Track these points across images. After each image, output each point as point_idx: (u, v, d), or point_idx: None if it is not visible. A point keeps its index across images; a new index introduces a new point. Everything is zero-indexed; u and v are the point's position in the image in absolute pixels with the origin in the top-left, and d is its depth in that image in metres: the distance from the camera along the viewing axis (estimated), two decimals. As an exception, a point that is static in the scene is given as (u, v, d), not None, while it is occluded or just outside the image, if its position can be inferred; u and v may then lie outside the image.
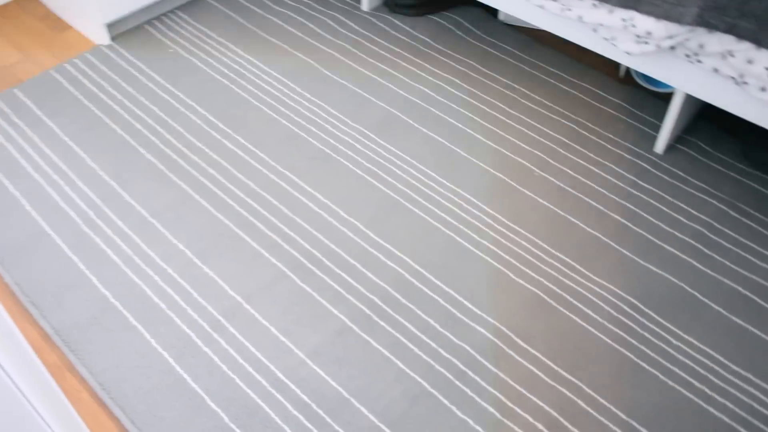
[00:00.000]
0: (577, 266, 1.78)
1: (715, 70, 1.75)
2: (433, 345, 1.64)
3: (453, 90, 2.26)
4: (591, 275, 1.76)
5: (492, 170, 2.01)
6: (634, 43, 1.85)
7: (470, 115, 2.17)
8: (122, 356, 1.64)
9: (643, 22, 1.78)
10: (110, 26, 2.47)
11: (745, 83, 1.71)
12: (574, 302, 1.72)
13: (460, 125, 2.14)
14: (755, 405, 1.54)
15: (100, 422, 1.56)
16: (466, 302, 1.72)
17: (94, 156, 2.07)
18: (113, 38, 2.48)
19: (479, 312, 1.70)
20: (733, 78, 1.73)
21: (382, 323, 1.68)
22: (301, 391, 1.57)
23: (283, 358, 1.62)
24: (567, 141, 2.09)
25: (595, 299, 1.72)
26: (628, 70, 2.33)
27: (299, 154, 2.06)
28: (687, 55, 1.79)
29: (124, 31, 2.51)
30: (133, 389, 1.59)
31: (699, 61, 1.77)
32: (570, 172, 2.00)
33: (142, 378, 1.60)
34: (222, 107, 2.22)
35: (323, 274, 1.77)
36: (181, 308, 1.71)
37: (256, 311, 1.70)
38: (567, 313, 1.70)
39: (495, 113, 2.18)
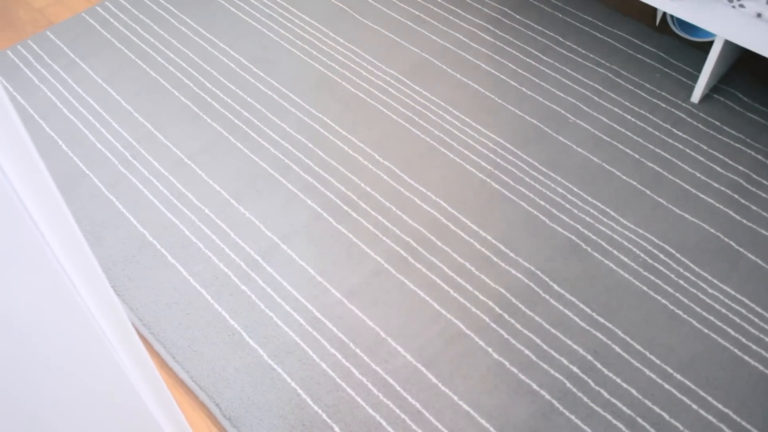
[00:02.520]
0: (612, 213, 1.78)
1: (759, 15, 1.73)
2: (469, 287, 1.65)
3: (486, 36, 2.24)
4: (626, 222, 1.76)
5: (526, 116, 2.00)
6: (676, -12, 1.82)
7: (504, 61, 2.16)
8: (161, 293, 1.66)
9: (686, -33, 1.75)
10: (141, -32, 2.46)
11: (790, 30, 1.69)
12: (609, 248, 1.72)
13: (494, 71, 2.13)
14: (789, 352, 1.55)
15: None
16: (501, 246, 1.72)
17: (129, 98, 2.08)
18: (143, -19, 2.46)
19: (514, 256, 1.71)
20: (777, 24, 1.71)
21: (418, 265, 1.69)
22: (338, 329, 1.59)
23: (320, 297, 1.64)
24: (601, 89, 2.07)
25: (629, 246, 1.72)
26: (664, 18, 2.30)
27: (333, 98, 2.06)
28: (729, 0, 1.76)
29: (154, -27, 2.49)
30: (172, 325, 1.61)
31: (742, 6, 1.75)
32: (605, 119, 1.99)
33: (181, 314, 1.63)
34: (254, 51, 2.21)
35: (359, 216, 1.78)
36: (219, 247, 1.73)
37: (293, 251, 1.72)
38: (601, 258, 1.70)
39: (529, 60, 2.16)
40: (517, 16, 2.30)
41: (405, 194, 1.82)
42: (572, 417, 1.46)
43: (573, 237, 1.74)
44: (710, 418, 1.46)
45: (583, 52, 2.19)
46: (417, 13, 2.32)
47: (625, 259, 1.69)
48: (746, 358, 1.54)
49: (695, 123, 1.98)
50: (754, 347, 1.56)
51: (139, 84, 2.11)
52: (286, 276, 1.68)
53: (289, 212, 1.79)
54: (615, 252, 1.71)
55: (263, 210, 1.80)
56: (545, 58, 2.16)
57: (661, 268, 1.68)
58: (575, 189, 1.83)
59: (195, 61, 2.18)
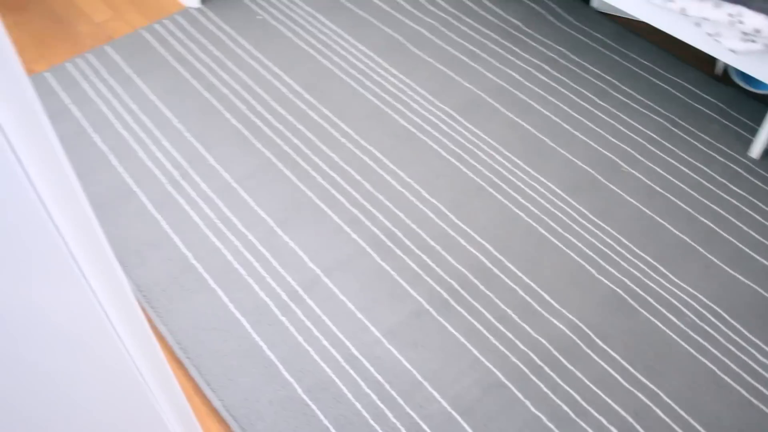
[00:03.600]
0: (661, 268, 1.74)
1: (828, 77, 1.68)
2: (510, 336, 1.62)
3: (541, 76, 2.21)
4: (675, 279, 1.72)
5: (578, 162, 1.97)
6: (740, 40, 1.78)
7: (558, 103, 2.13)
8: (200, 318, 1.66)
9: (752, 19, 1.71)
10: (201, -12, 2.48)
11: None
12: (656, 305, 1.68)
13: (547, 113, 2.10)
14: (840, 428, 1.49)
15: (176, 379, 1.59)
16: (545, 295, 1.69)
17: (181, 117, 2.09)
18: (203, 1, 2.49)
19: (558, 306, 1.67)
20: None
21: (459, 308, 1.66)
22: (375, 369, 1.57)
23: (359, 334, 1.62)
24: (657, 138, 2.03)
25: (677, 304, 1.67)
26: (726, 67, 2.25)
27: (384, 131, 2.05)
28: (798, 59, 1.72)
29: (214, -7, 2.52)
30: (209, 351, 1.60)
31: (810, 67, 1.70)
32: (659, 170, 1.95)
33: (219, 341, 1.62)
34: (308, 77, 2.21)
35: (403, 253, 1.76)
36: (260, 275, 1.72)
37: (335, 285, 1.70)
38: (648, 315, 1.66)
39: (584, 103, 2.13)
40: (574, 58, 2.28)
41: (450, 234, 1.80)
42: (609, 480, 1.42)
43: (620, 291, 1.70)
44: (754, 492, 1.41)
45: (640, 98, 2.15)
46: (473, 48, 2.30)
47: (673, 318, 1.65)
48: (795, 431, 1.49)
49: (753, 179, 1.93)
50: (804, 421, 1.50)
51: (191, 104, 2.13)
52: (326, 310, 1.66)
53: (334, 245, 1.78)
54: (662, 310, 1.66)
55: (307, 240, 1.79)
56: (601, 103, 2.13)
57: (710, 330, 1.63)
58: (624, 241, 1.79)
59: (248, 84, 2.19)
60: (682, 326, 1.64)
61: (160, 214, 1.85)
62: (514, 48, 2.31)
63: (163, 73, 2.22)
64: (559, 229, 1.81)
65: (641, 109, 2.11)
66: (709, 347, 1.60)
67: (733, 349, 1.60)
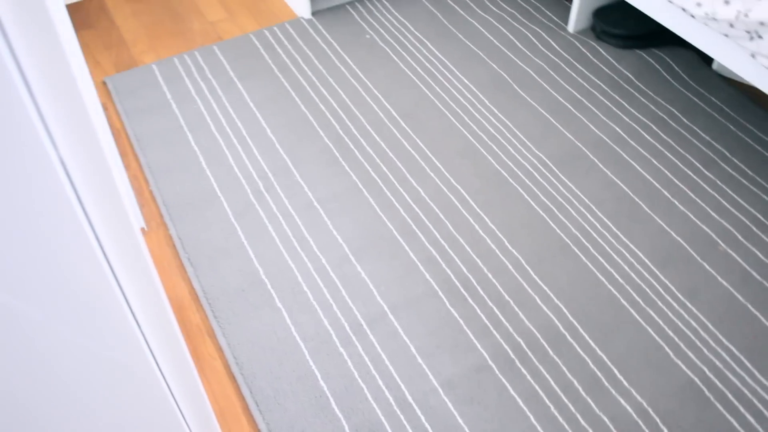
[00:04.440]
0: (746, 363, 1.63)
1: None
2: (572, 409, 1.54)
3: (647, 136, 2.12)
4: (760, 377, 1.60)
5: (673, 233, 1.87)
6: None
7: (660, 167, 2.03)
8: (260, 335, 1.65)
9: None
10: (314, 1, 2.49)
11: None
12: (734, 402, 1.57)
13: (647, 175, 2.00)
14: None
15: (226, 394, 1.58)
16: (615, 371, 1.60)
17: (275, 128, 2.09)
18: (314, 13, 2.50)
19: (628, 385, 1.58)
20: None
21: (523, 370, 1.60)
22: (427, 420, 1.52)
23: (416, 380, 1.58)
24: (763, 219, 1.91)
25: (759, 406, 1.56)
26: None
27: (475, 171, 2.00)
28: None
29: (326, 8, 2.52)
30: (264, 371, 1.59)
31: None
32: (759, 255, 1.83)
33: (275, 362, 1.60)
34: (407, 105, 2.18)
35: (474, 302, 1.70)
36: (327, 302, 1.70)
37: (400, 325, 1.66)
38: (723, 411, 1.55)
39: (688, 171, 2.02)
40: (685, 120, 2.17)
41: (527, 290, 1.73)
42: None
43: (696, 380, 1.60)
44: None
45: (750, 173, 2.03)
46: (579, 97, 2.23)
47: (751, 420, 1.54)
48: None
49: None
50: None
51: (287, 116, 2.13)
52: (386, 349, 1.62)
53: (405, 282, 1.74)
54: (741, 408, 1.55)
55: (380, 274, 1.76)
56: (706, 173, 2.02)
57: (791, 439, 1.51)
58: (710, 326, 1.68)
59: (346, 103, 2.17)
60: (761, 430, 1.52)
61: (239, 223, 1.85)
62: (622, 101, 2.22)
63: (264, 81, 2.24)
64: (642, 303, 1.72)
65: (750, 186, 1.99)
66: (787, 458, 1.49)
67: (813, 465, 1.48)
